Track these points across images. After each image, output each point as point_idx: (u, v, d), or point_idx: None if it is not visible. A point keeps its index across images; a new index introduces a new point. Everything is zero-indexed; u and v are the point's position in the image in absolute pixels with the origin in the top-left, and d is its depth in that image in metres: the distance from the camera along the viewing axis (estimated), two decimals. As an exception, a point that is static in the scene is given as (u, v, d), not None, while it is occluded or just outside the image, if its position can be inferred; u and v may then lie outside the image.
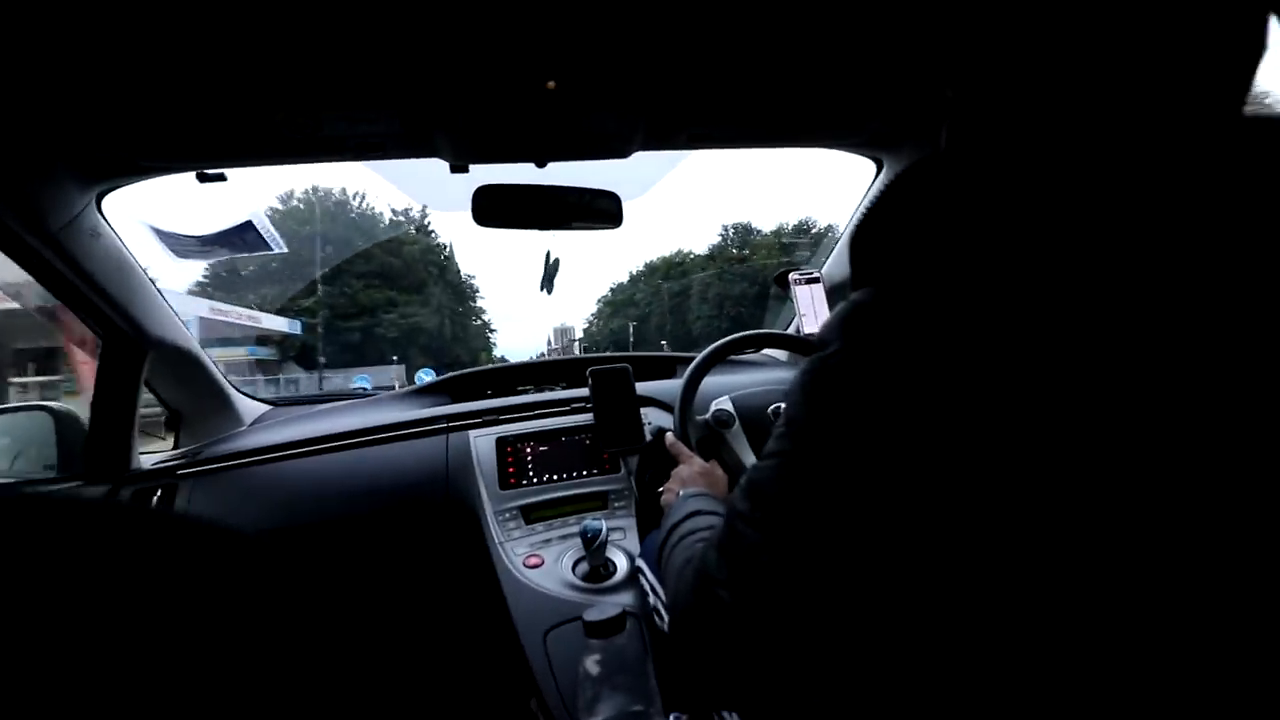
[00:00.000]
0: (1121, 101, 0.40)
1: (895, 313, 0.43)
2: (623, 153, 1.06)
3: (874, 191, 1.29)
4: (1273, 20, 0.40)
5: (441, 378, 1.58)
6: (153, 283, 1.12)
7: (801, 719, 0.63)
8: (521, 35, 0.72)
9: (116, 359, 1.11)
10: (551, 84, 0.81)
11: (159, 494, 1.15)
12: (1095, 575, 0.38)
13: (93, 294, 0.99)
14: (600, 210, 1.15)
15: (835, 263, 1.50)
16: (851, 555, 0.44)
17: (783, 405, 1.30)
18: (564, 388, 1.53)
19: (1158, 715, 0.38)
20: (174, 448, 1.31)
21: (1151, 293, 0.37)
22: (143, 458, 1.19)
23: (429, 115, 0.86)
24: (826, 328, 0.47)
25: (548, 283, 1.29)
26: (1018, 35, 0.44)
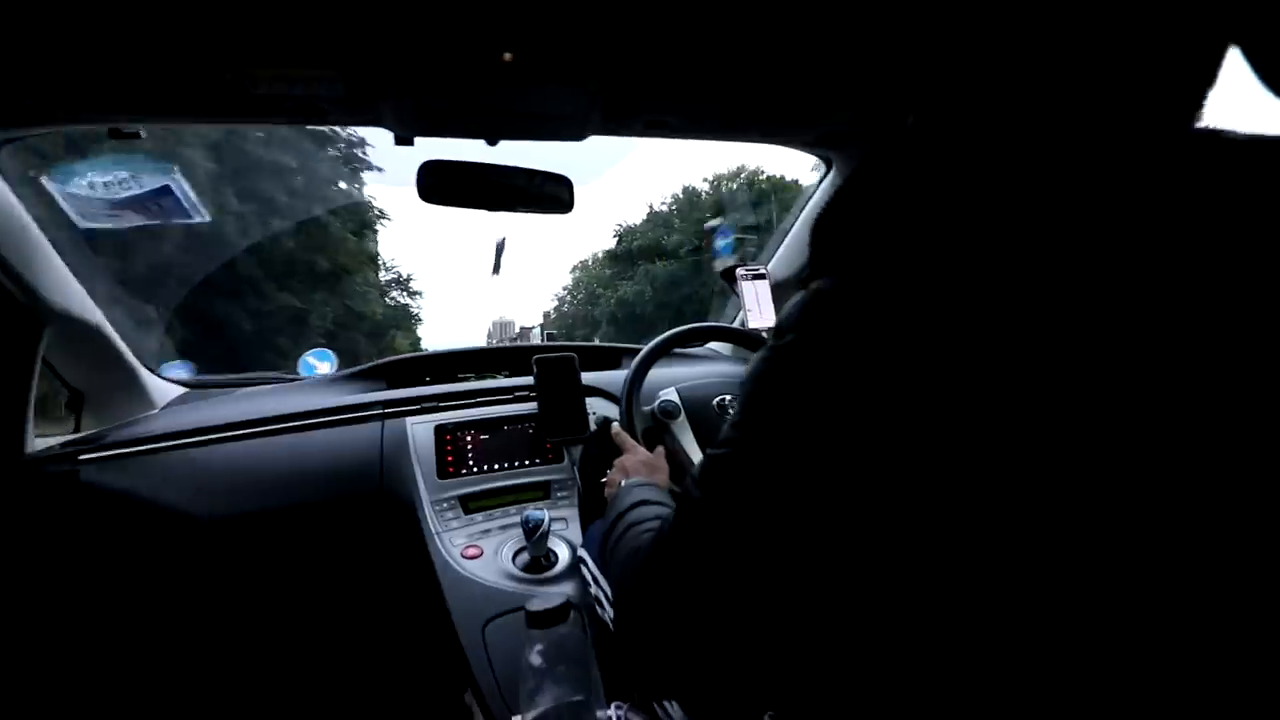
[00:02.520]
0: (1079, 102, 0.42)
1: (856, 301, 0.43)
2: (577, 135, 1.04)
3: (826, 186, 1.31)
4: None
5: (376, 363, 1.51)
6: (54, 247, 1.02)
7: (740, 706, 0.64)
8: (479, 1, 0.69)
9: (10, 331, 1.00)
10: (508, 55, 0.78)
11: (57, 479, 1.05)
12: (1047, 569, 0.38)
13: None
14: (551, 194, 1.13)
15: (781, 259, 1.52)
16: (801, 544, 0.45)
17: (728, 398, 1.32)
18: (506, 376, 1.50)
19: (1119, 712, 0.38)
20: (74, 430, 1.20)
21: (1102, 285, 0.38)
22: (38, 440, 1.08)
23: (375, 79, 0.81)
24: (785, 316, 0.46)
25: (496, 265, 1.25)
26: (983, 34, 0.44)
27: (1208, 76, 0.42)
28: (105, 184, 0.98)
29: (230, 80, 0.79)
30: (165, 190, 0.99)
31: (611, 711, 0.74)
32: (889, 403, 0.40)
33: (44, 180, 0.97)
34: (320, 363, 1.70)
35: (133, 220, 1.01)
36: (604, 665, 0.79)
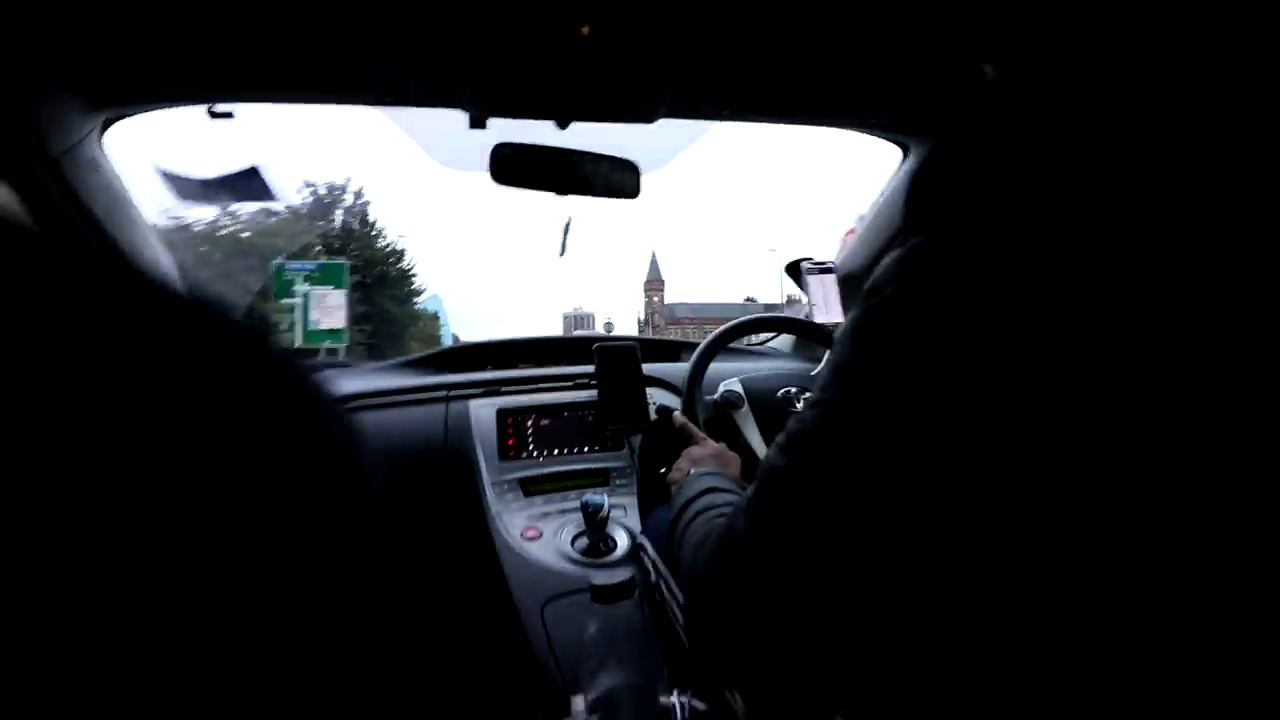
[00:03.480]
0: (1169, 76, 0.39)
1: (954, 254, 0.41)
2: (649, 117, 1.03)
3: (903, 175, 1.26)
4: None
5: (439, 350, 1.54)
6: (154, 230, 1.08)
7: (809, 701, 0.60)
8: None
9: None
10: (586, 29, 0.78)
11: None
12: (1128, 531, 0.37)
13: (88, 230, 0.95)
14: (619, 179, 1.13)
15: (850, 253, 1.47)
16: (896, 519, 0.42)
17: (794, 389, 1.28)
18: (565, 366, 1.50)
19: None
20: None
21: (1183, 258, 0.36)
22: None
23: (456, 55, 0.83)
24: (880, 273, 0.44)
25: (563, 246, 1.26)
26: (1065, 12, 0.43)
27: None
28: (200, 164, 1.03)
29: (323, 59, 0.82)
30: (253, 171, 1.03)
31: (675, 698, 0.72)
32: (986, 360, 0.38)
33: (146, 159, 1.03)
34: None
35: (223, 199, 1.06)
36: (666, 652, 0.77)
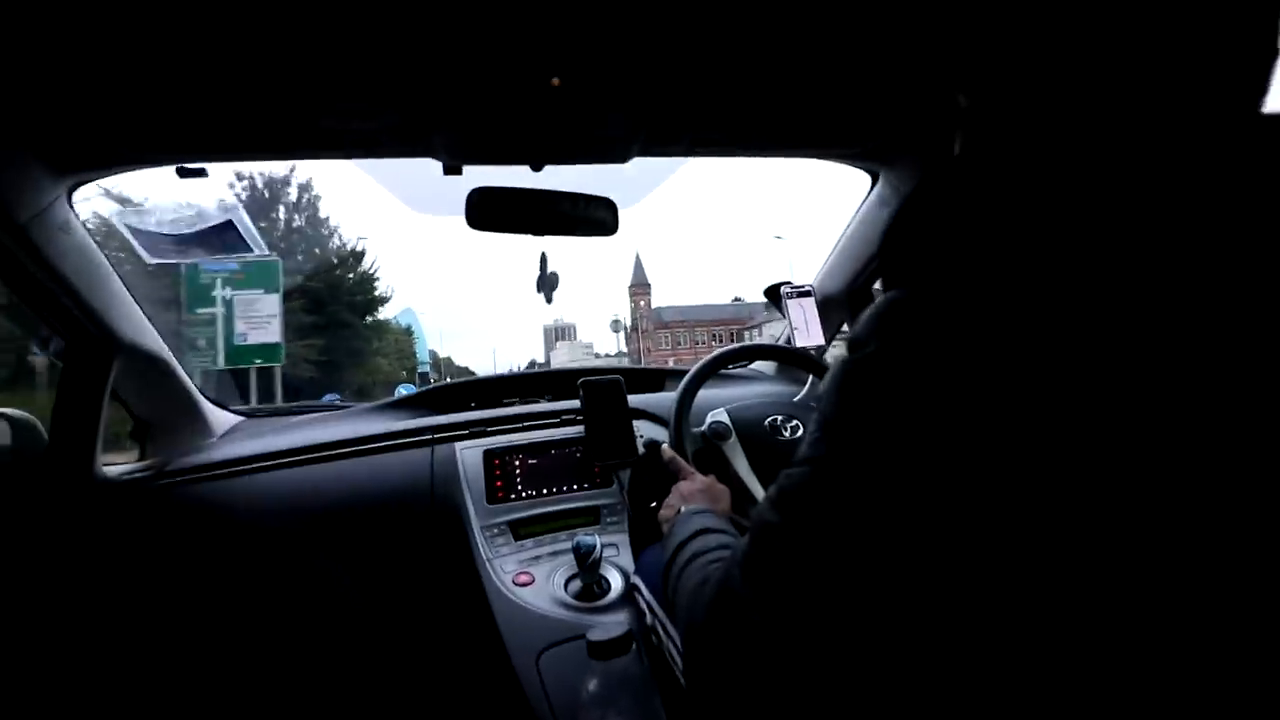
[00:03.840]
0: (1144, 100, 0.40)
1: (932, 310, 0.41)
2: (623, 157, 1.04)
3: (873, 200, 1.29)
4: None
5: (422, 389, 1.53)
6: (123, 283, 1.06)
7: None
8: (528, 29, 0.70)
9: (82, 363, 1.04)
10: (556, 80, 0.78)
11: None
12: (1131, 583, 0.36)
13: (60, 292, 0.93)
14: (597, 217, 1.13)
15: (827, 276, 1.49)
16: (889, 569, 0.42)
17: (780, 418, 1.29)
18: (549, 400, 1.49)
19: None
20: (140, 459, 1.24)
21: (1188, 295, 0.36)
22: (107, 469, 1.12)
23: (428, 110, 0.83)
24: (861, 327, 0.45)
25: (546, 289, 1.26)
26: (1036, 38, 0.43)
27: (1270, 51, 0.40)
28: (171, 221, 1.02)
29: (295, 117, 0.82)
30: (228, 225, 1.02)
31: (675, 748, 0.71)
32: (968, 415, 0.38)
33: (114, 219, 1.02)
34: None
35: (197, 255, 1.05)
36: (665, 700, 0.76)
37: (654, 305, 67.56)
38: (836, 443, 0.44)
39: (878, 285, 1.49)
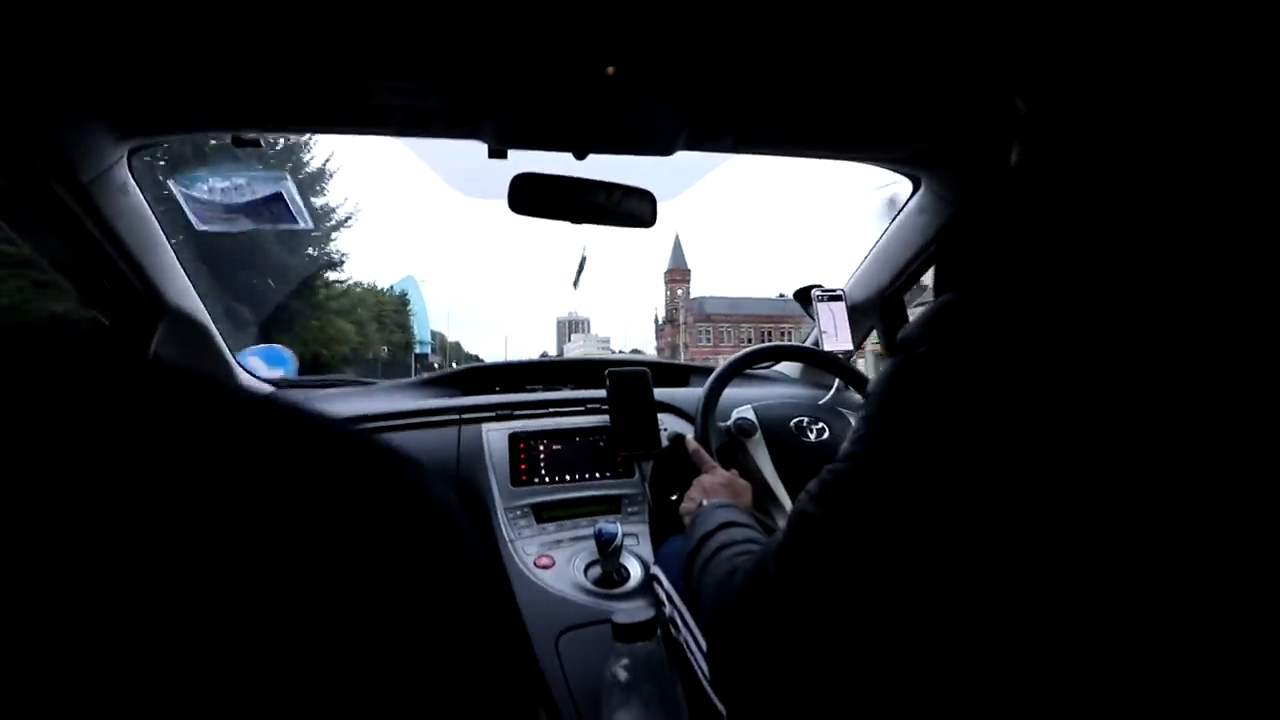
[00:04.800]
0: (1200, 114, 0.40)
1: (984, 314, 0.42)
2: (667, 150, 1.05)
3: (913, 206, 1.28)
4: None
5: (451, 370, 1.55)
6: (172, 248, 1.09)
7: None
8: (590, 16, 0.71)
9: (127, 323, 1.07)
10: (611, 69, 0.79)
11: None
12: (1172, 581, 0.37)
13: (114, 253, 0.96)
14: (635, 209, 1.14)
15: (861, 280, 1.48)
16: (927, 563, 0.42)
17: (805, 419, 1.29)
18: (573, 388, 1.50)
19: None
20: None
21: (1245, 305, 0.36)
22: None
23: (481, 91, 0.84)
24: (913, 328, 0.46)
25: (577, 279, 1.26)
26: (1100, 43, 0.43)
27: None
28: (223, 189, 1.04)
29: (350, 91, 0.83)
30: (277, 197, 1.04)
31: (693, 736, 0.72)
32: (1015, 417, 0.39)
33: (169, 184, 1.04)
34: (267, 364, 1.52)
35: (245, 224, 1.07)
36: (686, 689, 0.76)
37: (693, 294, 59.31)
38: (882, 439, 0.44)
39: (925, 291, 1.49)
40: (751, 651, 0.50)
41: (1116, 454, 0.37)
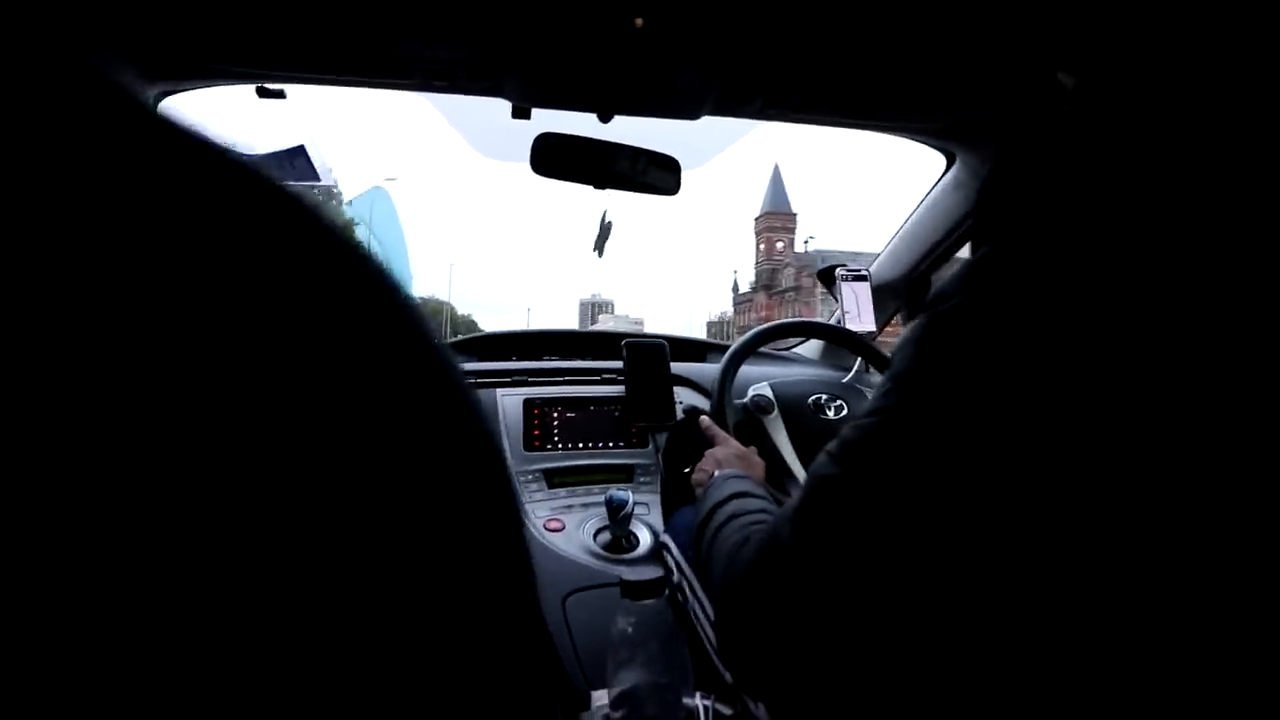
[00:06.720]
0: (1239, 79, 0.39)
1: (1022, 265, 0.40)
2: (694, 113, 1.02)
3: (947, 183, 1.24)
4: None
5: (467, 337, 1.56)
6: None
7: (833, 713, 0.59)
8: None
9: None
10: (640, 21, 0.77)
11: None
12: (1200, 558, 0.36)
13: None
14: (659, 175, 1.12)
15: (887, 260, 1.45)
16: (949, 525, 0.41)
17: (824, 397, 1.27)
18: (590, 359, 1.50)
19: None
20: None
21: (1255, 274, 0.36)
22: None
23: (507, 43, 0.82)
24: (947, 283, 0.44)
25: (600, 246, 1.25)
26: (1149, 17, 0.42)
27: None
28: (243, 138, 1.04)
29: (375, 42, 0.82)
30: (300, 150, 1.03)
31: (698, 700, 0.71)
32: (1049, 374, 0.37)
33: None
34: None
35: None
36: (691, 653, 0.76)
37: (798, 247, 41.97)
38: (911, 394, 0.43)
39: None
40: (761, 619, 0.49)
41: (1154, 416, 0.36)
